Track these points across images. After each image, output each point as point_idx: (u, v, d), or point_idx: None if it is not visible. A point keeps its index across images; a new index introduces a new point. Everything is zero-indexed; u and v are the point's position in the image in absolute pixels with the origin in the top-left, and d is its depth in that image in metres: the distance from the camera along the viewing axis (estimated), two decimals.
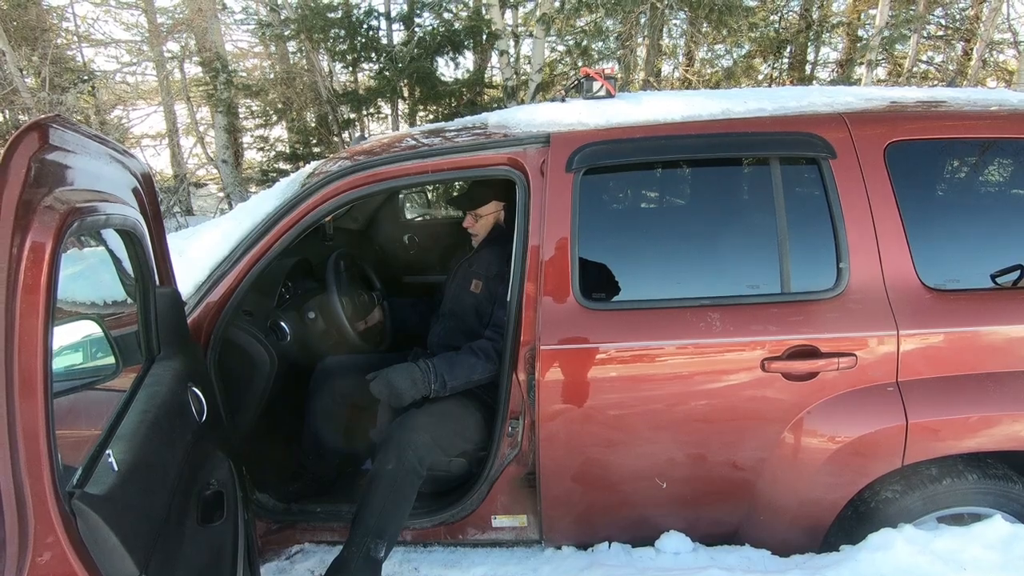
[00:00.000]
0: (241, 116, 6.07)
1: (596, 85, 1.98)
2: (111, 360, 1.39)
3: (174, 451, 1.20)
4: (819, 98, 1.91)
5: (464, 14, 4.68)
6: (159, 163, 9.23)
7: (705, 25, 5.14)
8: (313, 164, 2.22)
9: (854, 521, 1.78)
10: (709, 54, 9.28)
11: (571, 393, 1.72)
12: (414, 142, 1.98)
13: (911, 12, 5.77)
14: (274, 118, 5.43)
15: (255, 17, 5.62)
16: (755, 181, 1.80)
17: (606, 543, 1.92)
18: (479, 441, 1.97)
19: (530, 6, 5.94)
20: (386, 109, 6.12)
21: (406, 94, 5.02)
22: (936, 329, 1.66)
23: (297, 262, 2.34)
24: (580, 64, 7.43)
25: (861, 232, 1.69)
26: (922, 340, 1.66)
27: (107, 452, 0.94)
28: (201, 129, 8.24)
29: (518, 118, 1.94)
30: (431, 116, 5.41)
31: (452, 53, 4.59)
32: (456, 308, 2.17)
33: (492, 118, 2.06)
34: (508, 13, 6.12)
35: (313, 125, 5.59)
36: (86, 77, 7.18)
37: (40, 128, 0.89)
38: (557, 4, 5.34)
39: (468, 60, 5.46)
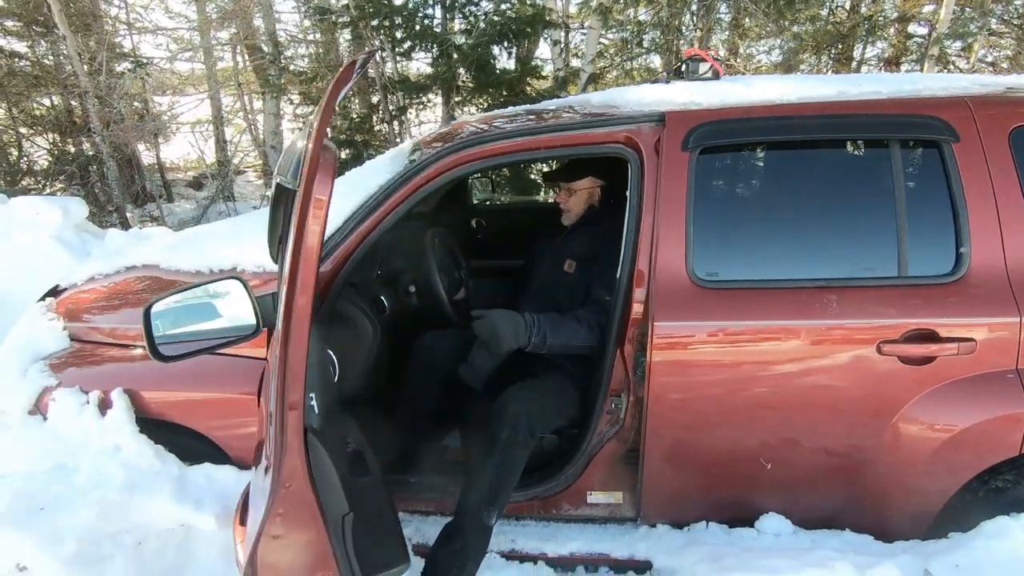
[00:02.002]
0: (293, 103, 6.15)
1: (704, 67, 1.98)
2: (252, 321, 1.44)
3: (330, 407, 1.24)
4: (934, 83, 1.89)
5: (522, 2, 4.69)
6: (207, 150, 9.40)
7: (761, 17, 5.07)
8: (411, 141, 2.25)
9: (962, 510, 1.76)
10: (751, 49, 9.18)
11: (683, 371, 1.73)
12: (516, 121, 2.00)
13: (981, 9, 5.62)
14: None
15: (312, 4, 5.70)
16: (874, 163, 1.79)
17: (703, 522, 1.93)
18: (574, 418, 1.99)
19: None
20: (435, 99, 6.16)
21: (461, 83, 5.04)
22: None
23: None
24: (627, 56, 7.40)
25: (984, 216, 1.67)
26: None
27: (311, 395, 0.98)
28: (247, 116, 8.38)
29: (626, 98, 1.95)
30: (484, 105, 5.42)
31: (509, 43, 4.61)
32: (548, 287, 2.18)
33: (595, 98, 2.07)
34: (559, 2, 6.12)
35: (365, 112, 5.66)
36: (144, 61, 7.34)
37: None
38: None
39: (522, 50, 5.46)
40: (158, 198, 8.52)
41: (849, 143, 1.80)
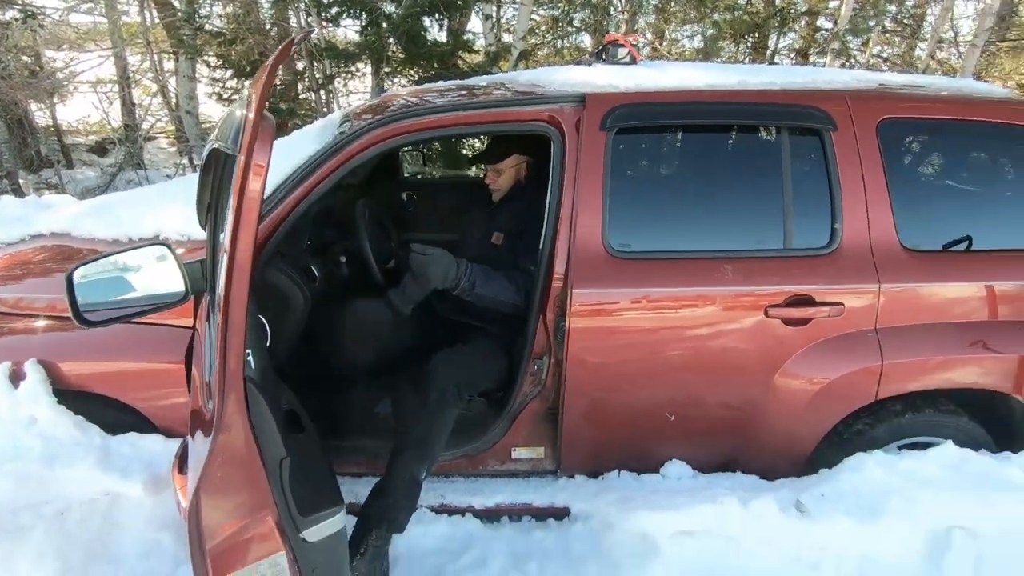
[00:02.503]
0: (210, 66, 5.81)
1: (622, 52, 2.12)
2: (181, 288, 1.45)
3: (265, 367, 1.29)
4: (820, 76, 2.12)
5: None
6: (112, 113, 8.68)
7: (683, 4, 5.32)
8: (341, 111, 2.26)
9: (830, 450, 2.05)
10: (676, 33, 9.54)
11: (598, 335, 1.89)
12: (447, 96, 2.06)
13: (876, 8, 6.19)
14: (248, 69, 5.25)
15: None
16: (766, 147, 1.99)
17: (616, 471, 2.13)
18: (500, 381, 2.13)
19: None
20: (364, 68, 6.02)
21: (391, 54, 4.97)
22: (911, 284, 1.93)
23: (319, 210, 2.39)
24: (558, 35, 7.51)
25: (854, 197, 1.92)
26: (897, 293, 1.92)
27: (247, 351, 1.03)
28: (158, 78, 7.80)
29: (552, 78, 2.06)
30: (415, 78, 5.37)
31: (440, 14, 4.59)
32: (477, 259, 2.28)
33: (522, 77, 2.17)
34: None
35: (290, 79, 5.46)
36: (33, 11, 6.66)
37: None
38: None
39: (454, 23, 5.44)
40: (56, 164, 7.84)
41: (746, 128, 2.00)
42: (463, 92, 2.09)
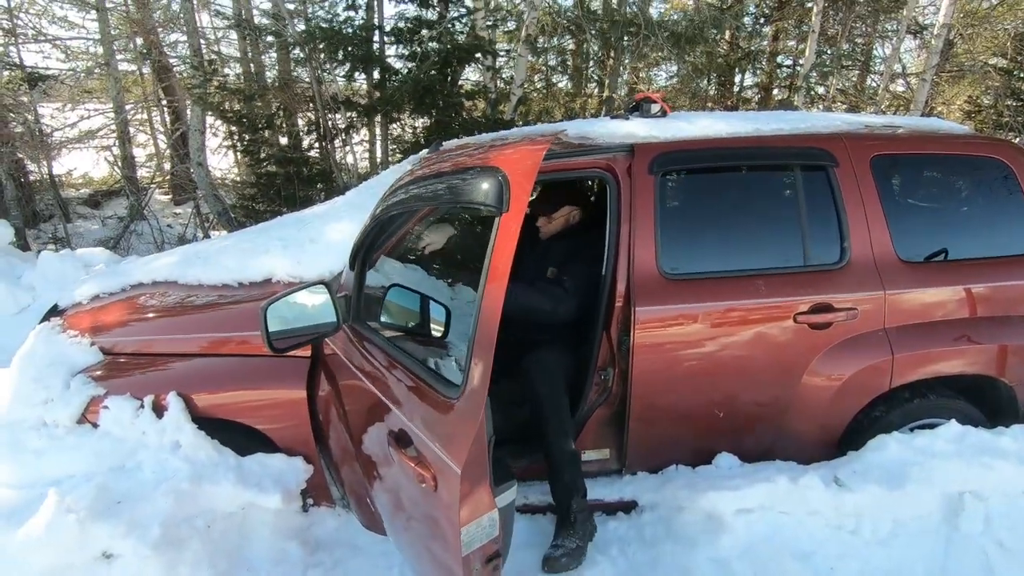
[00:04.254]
0: (227, 119, 6.10)
1: (655, 107, 2.52)
2: (334, 319, 1.75)
3: None
4: (818, 121, 2.55)
5: (462, 34, 5.12)
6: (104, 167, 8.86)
7: (665, 51, 5.90)
8: (411, 161, 2.59)
9: (855, 436, 2.40)
10: (651, 73, 10.25)
11: (657, 346, 2.22)
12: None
13: (837, 51, 6.93)
14: (264, 123, 5.57)
15: (244, 22, 5.74)
16: (783, 182, 2.39)
17: (673, 466, 2.43)
18: (571, 385, 2.41)
19: (511, 25, 6.49)
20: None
21: (402, 105, 5.36)
22: (907, 290, 2.32)
23: None
24: (545, 82, 8.05)
25: (857, 221, 2.32)
26: (898, 298, 2.31)
27: None
28: (167, 132, 8.04)
29: (597, 131, 2.43)
30: (419, 128, 5.77)
31: (452, 69, 5.00)
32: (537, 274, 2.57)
33: (571, 129, 2.54)
34: (487, 31, 6.60)
35: (304, 131, 5.78)
36: (38, 74, 6.91)
37: None
38: (538, 25, 5.89)
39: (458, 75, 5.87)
40: (59, 218, 7.96)
41: (766, 167, 2.40)
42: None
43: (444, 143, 2.85)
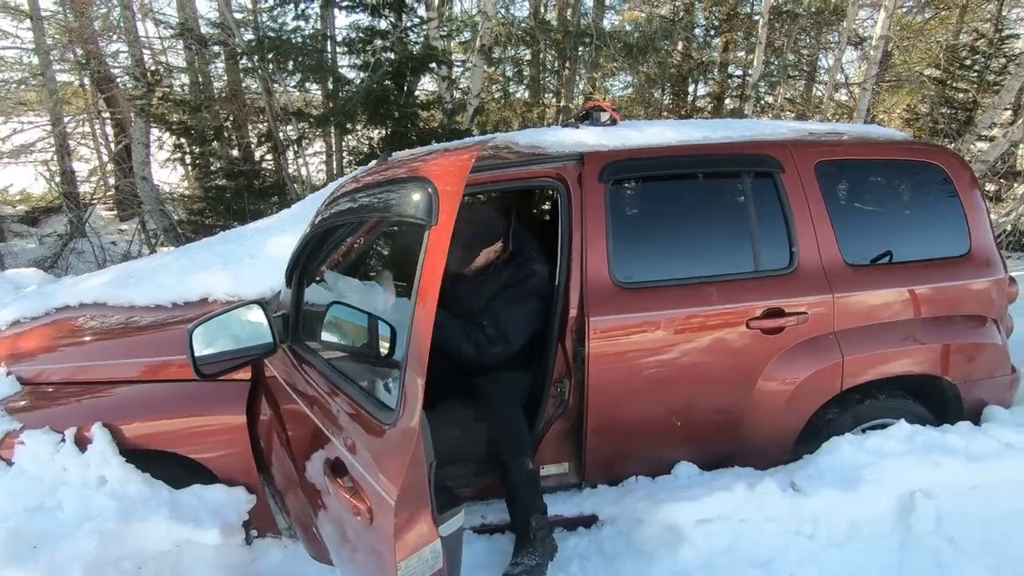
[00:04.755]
0: (173, 132, 5.87)
1: (604, 116, 2.51)
2: (270, 340, 1.65)
3: None
4: (765, 129, 2.59)
5: (416, 44, 5.07)
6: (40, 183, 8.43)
7: (619, 61, 5.97)
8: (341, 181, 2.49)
9: (809, 439, 2.41)
10: (607, 83, 10.41)
11: (614, 355, 2.19)
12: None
13: (783, 61, 7.17)
14: (211, 135, 5.37)
15: (187, 31, 5.53)
16: (732, 188, 2.41)
17: (633, 477, 2.40)
18: (525, 402, 2.35)
19: (467, 36, 6.47)
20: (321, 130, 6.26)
21: (356, 116, 5.26)
22: (854, 293, 2.36)
23: None
24: (500, 90, 8.06)
25: (804, 226, 2.35)
26: (846, 301, 2.35)
27: None
28: (108, 145, 7.68)
29: (547, 140, 2.40)
30: (375, 139, 5.67)
31: (405, 79, 4.94)
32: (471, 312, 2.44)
33: (521, 139, 2.50)
34: (442, 41, 6.57)
35: (255, 143, 5.60)
36: None
37: None
38: (492, 35, 5.88)
39: (413, 84, 5.80)
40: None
41: (715, 174, 2.41)
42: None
43: (394, 154, 2.78)
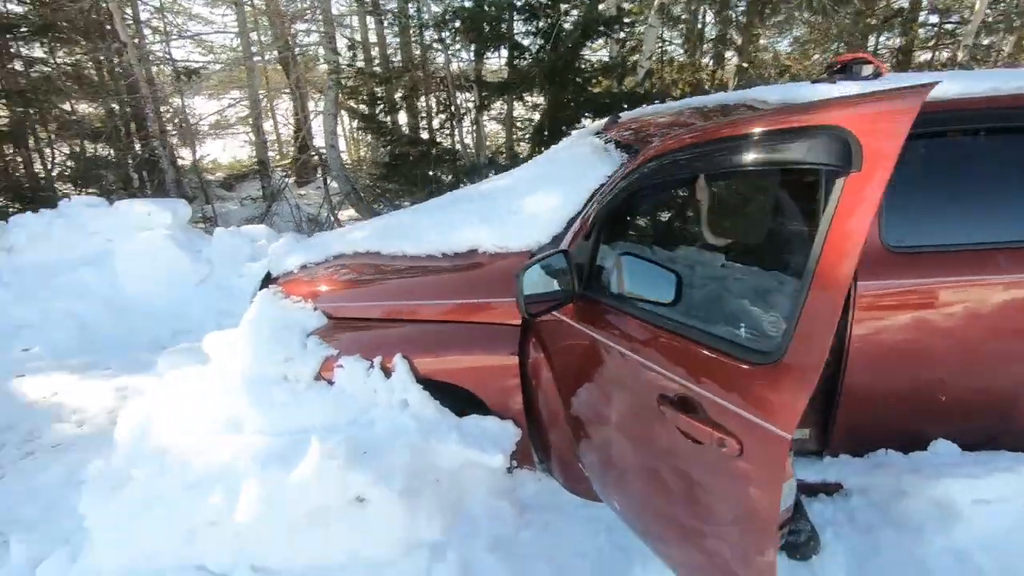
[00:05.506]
0: (362, 100, 6.40)
1: (867, 68, 2.34)
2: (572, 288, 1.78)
3: None
4: None
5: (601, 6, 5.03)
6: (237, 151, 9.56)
7: (809, 14, 5.48)
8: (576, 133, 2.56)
9: None
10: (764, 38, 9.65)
11: (880, 323, 2.09)
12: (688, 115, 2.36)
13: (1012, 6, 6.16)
14: (400, 104, 5.79)
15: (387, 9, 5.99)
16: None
17: (883, 450, 2.30)
18: None
19: None
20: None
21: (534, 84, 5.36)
22: None
23: None
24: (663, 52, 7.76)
25: None
26: None
27: None
28: (303, 117, 8.60)
29: (797, 95, 2.29)
30: (544, 105, 5.76)
31: (591, 41, 4.94)
32: None
33: (771, 95, 2.42)
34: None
35: (434, 112, 5.96)
36: (192, 68, 7.55)
37: None
38: None
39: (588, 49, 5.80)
40: (205, 199, 8.74)
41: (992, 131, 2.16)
42: (718, 111, 2.38)
43: (620, 116, 2.83)
